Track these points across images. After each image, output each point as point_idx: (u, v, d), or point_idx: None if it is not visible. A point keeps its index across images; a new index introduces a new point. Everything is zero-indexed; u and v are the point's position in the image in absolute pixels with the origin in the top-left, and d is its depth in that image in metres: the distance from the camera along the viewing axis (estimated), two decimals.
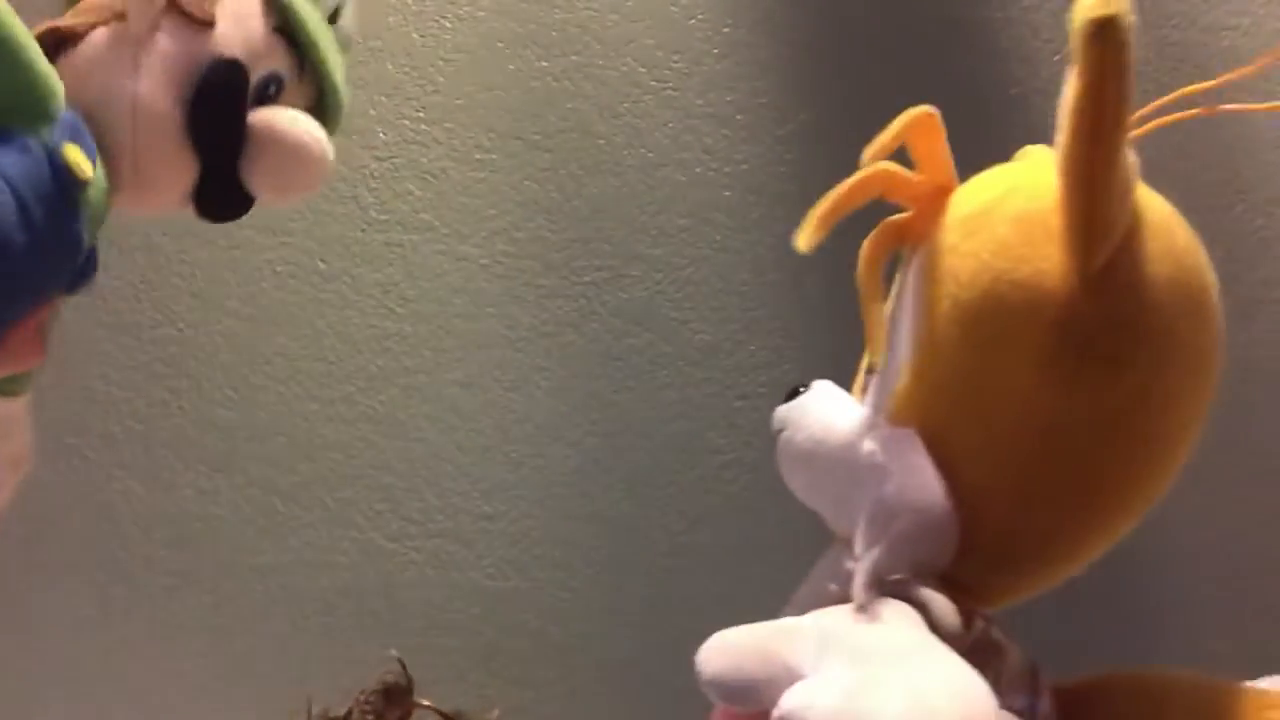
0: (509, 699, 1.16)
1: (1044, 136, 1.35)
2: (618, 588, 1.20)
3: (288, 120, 0.70)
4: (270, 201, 0.72)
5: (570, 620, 1.19)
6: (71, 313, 1.17)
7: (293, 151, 0.70)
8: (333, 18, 0.76)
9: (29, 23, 0.65)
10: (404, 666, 0.99)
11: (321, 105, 0.76)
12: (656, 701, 1.19)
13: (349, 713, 0.96)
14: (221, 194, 0.70)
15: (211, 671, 1.15)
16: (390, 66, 1.25)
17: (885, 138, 0.67)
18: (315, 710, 0.96)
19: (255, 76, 0.70)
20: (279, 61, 0.72)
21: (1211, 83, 0.69)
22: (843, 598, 0.61)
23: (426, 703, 0.96)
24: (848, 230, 1.29)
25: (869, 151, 0.68)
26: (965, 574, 0.63)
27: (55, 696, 1.14)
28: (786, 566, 1.25)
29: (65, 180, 0.63)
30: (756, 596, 1.22)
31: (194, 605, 1.16)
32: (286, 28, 0.72)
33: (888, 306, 0.69)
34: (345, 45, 0.78)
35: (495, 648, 1.18)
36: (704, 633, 1.21)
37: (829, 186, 1.33)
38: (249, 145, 0.69)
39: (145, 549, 1.16)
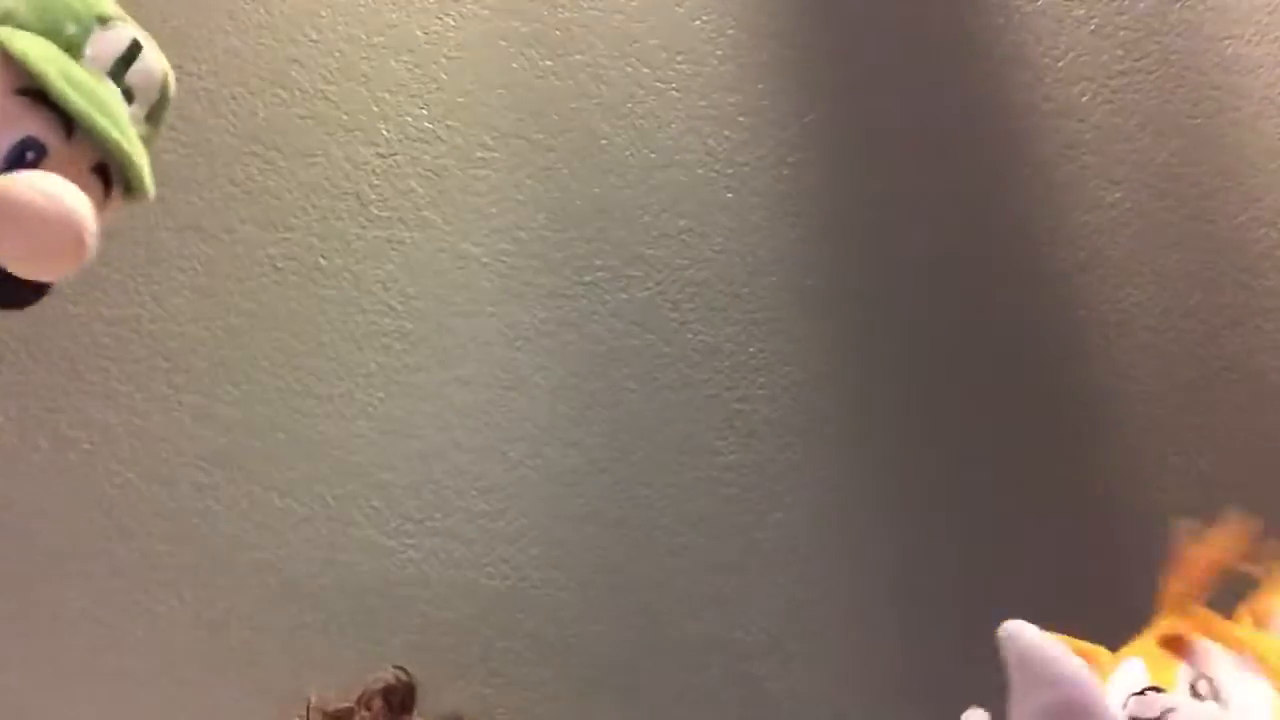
0: (506, 698, 1.16)
1: (1044, 141, 1.35)
2: (616, 588, 1.20)
3: (23, 184, 0.65)
4: (28, 273, 0.66)
5: (568, 620, 1.19)
6: (71, 306, 1.18)
7: (28, 215, 0.64)
8: (124, 65, 0.71)
9: None
10: (407, 674, 0.99)
11: (111, 163, 0.71)
12: (653, 702, 1.19)
13: (350, 711, 0.95)
14: None
15: (209, 666, 1.15)
16: (393, 63, 1.25)
17: None
18: (314, 702, 0.96)
19: (3, 145, 0.66)
20: (34, 126, 0.67)
21: None
22: None
23: None
24: (848, 234, 1.29)
25: None
26: None
27: (52, 690, 1.14)
28: (784, 568, 1.25)
29: None
30: (755, 598, 1.23)
31: (191, 600, 1.16)
32: (38, 89, 0.67)
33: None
34: (149, 91, 0.73)
35: (492, 646, 1.18)
36: (701, 634, 1.22)
37: (830, 189, 1.34)
38: None
39: (143, 543, 1.16)
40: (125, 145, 0.70)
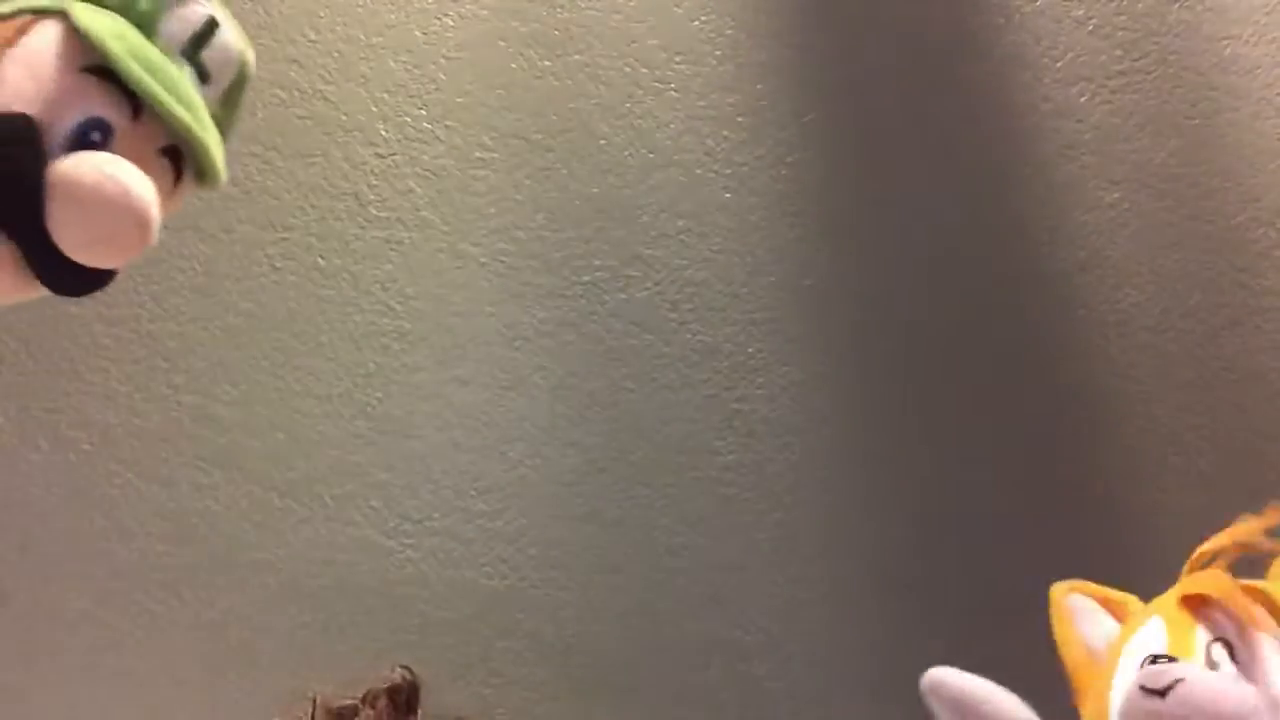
0: (505, 698, 1.16)
1: (1044, 141, 1.35)
2: (615, 588, 1.20)
3: (86, 165, 0.62)
4: (89, 260, 0.64)
5: (566, 620, 1.19)
6: (70, 306, 1.18)
7: (89, 199, 0.62)
8: (198, 44, 0.68)
9: None
10: (412, 673, 0.99)
11: (181, 146, 0.69)
12: (652, 702, 1.18)
13: (355, 709, 0.95)
14: (42, 262, 0.64)
15: (208, 667, 1.15)
16: (392, 63, 1.25)
17: None
18: (319, 700, 0.96)
19: (68, 124, 0.63)
20: (100, 105, 0.65)
21: None
22: None
23: None
24: (848, 234, 1.29)
25: None
26: None
27: (52, 691, 1.14)
28: (783, 568, 1.25)
29: None
30: (754, 598, 1.23)
31: (191, 600, 1.15)
32: (105, 66, 0.65)
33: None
34: (226, 71, 0.70)
35: (491, 646, 1.18)
36: (701, 634, 1.22)
37: (829, 189, 1.33)
38: (50, 203, 0.62)
39: (142, 543, 1.16)
40: (196, 128, 0.67)
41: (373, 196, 1.23)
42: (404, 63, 1.25)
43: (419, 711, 0.99)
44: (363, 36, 1.25)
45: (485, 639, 1.18)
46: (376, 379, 1.21)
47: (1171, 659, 0.78)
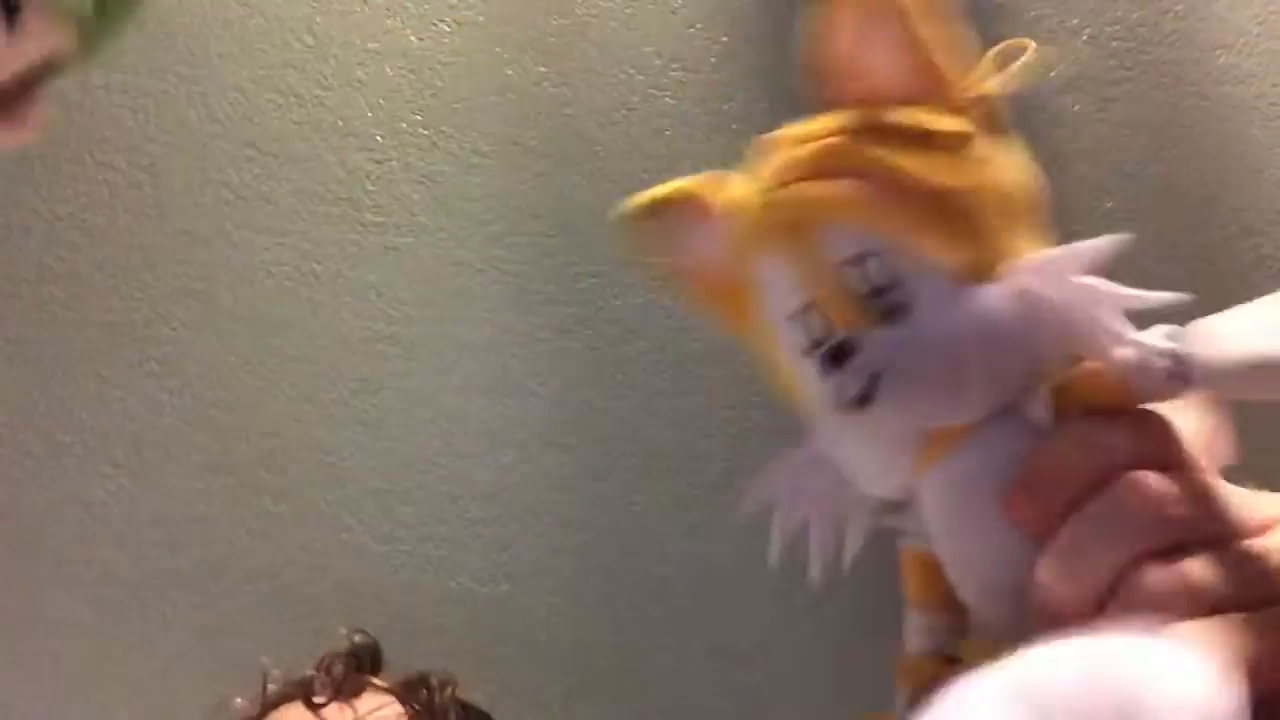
0: (499, 705, 1.16)
1: (1038, 149, 1.36)
2: (610, 595, 1.20)
3: None
4: None
5: (561, 627, 1.19)
6: (64, 311, 1.17)
7: None
8: None
9: None
10: (370, 636, 0.98)
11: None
12: (646, 710, 1.18)
13: (311, 678, 0.94)
14: None
15: (202, 673, 1.15)
16: (388, 69, 1.25)
17: None
18: (275, 675, 0.95)
19: None
20: None
21: None
22: None
23: (380, 683, 0.95)
24: None
25: None
26: None
27: (46, 696, 1.13)
28: (779, 575, 1.25)
29: None
30: (749, 607, 1.23)
31: (184, 606, 1.15)
32: None
33: None
34: None
35: (485, 654, 1.18)
36: (695, 643, 1.21)
37: None
38: None
39: (136, 549, 1.16)
40: None
41: (368, 202, 1.23)
42: (399, 68, 1.25)
43: (379, 673, 0.98)
44: (359, 42, 1.25)
45: (478, 645, 1.18)
46: (371, 384, 1.20)
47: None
